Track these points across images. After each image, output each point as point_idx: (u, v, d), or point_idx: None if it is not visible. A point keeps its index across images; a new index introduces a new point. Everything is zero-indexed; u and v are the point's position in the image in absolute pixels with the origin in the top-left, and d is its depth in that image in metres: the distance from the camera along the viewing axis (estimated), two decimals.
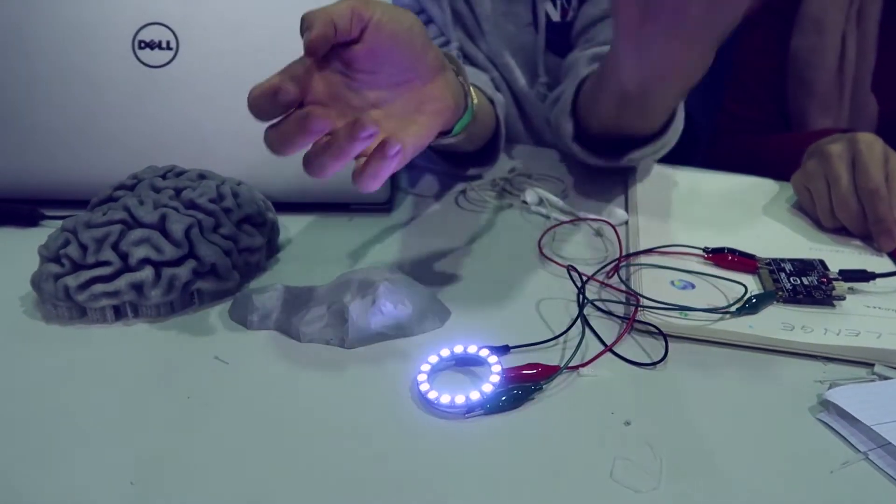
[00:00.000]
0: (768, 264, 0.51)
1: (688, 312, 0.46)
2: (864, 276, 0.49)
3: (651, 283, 0.50)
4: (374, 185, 0.40)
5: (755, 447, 0.37)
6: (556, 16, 0.73)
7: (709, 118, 0.97)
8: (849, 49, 0.79)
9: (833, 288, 0.48)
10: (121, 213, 0.47)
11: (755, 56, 0.87)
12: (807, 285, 0.48)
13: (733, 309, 0.46)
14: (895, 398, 0.40)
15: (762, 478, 0.35)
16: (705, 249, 0.53)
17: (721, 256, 0.52)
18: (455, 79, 0.47)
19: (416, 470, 0.35)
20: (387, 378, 0.41)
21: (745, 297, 0.47)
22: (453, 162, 0.66)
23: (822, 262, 0.51)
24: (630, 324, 0.46)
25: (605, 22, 0.70)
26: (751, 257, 0.52)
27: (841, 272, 0.50)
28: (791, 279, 0.49)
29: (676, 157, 0.88)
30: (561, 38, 0.74)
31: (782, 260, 0.51)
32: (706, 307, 0.46)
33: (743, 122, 0.89)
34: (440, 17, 0.74)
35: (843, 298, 0.48)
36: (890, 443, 0.36)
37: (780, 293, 0.48)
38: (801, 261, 0.51)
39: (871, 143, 0.57)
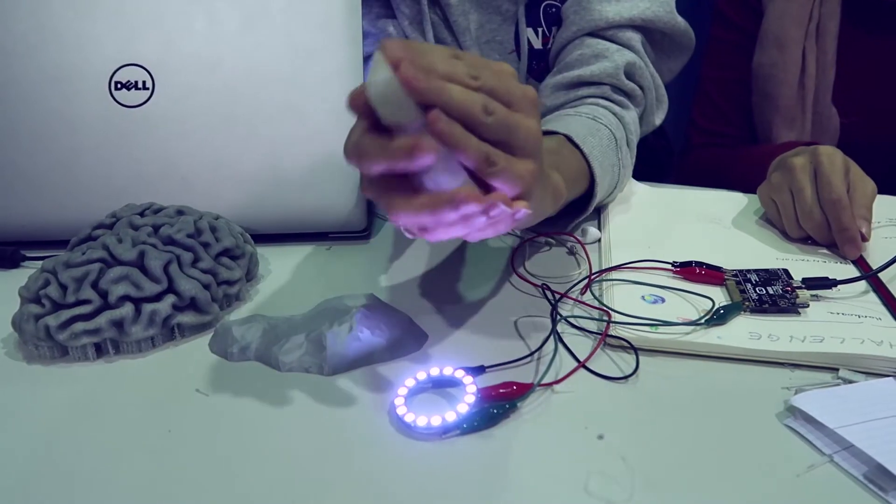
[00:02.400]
0: (735, 275, 0.53)
1: (658, 326, 0.47)
2: (827, 283, 0.51)
3: (622, 298, 0.51)
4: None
5: (725, 455, 0.38)
6: (537, 43, 0.75)
7: (681, 132, 0.99)
8: (809, 64, 0.82)
9: (797, 296, 0.49)
10: (100, 251, 0.48)
11: (721, 71, 0.90)
12: (772, 294, 0.50)
13: (702, 321, 0.47)
14: (858, 402, 0.41)
15: (732, 485, 0.36)
16: (674, 263, 0.54)
17: (689, 270, 0.53)
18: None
19: (395, 492, 0.36)
20: (365, 403, 0.42)
21: (713, 310, 0.48)
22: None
23: (786, 272, 0.53)
24: (602, 339, 0.47)
25: (573, 44, 0.72)
26: (718, 269, 0.53)
27: (804, 280, 0.51)
28: (757, 289, 0.50)
29: (654, 170, 0.90)
30: (542, 64, 0.76)
31: (748, 271, 0.53)
32: (676, 321, 0.48)
33: (712, 136, 0.91)
34: None
35: (807, 306, 0.49)
36: (853, 445, 0.38)
37: (747, 303, 0.49)
38: (767, 271, 0.53)
39: (831, 155, 0.59)
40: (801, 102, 0.82)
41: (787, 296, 0.49)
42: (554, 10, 0.73)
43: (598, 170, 0.58)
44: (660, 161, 1.06)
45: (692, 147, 0.94)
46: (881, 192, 0.61)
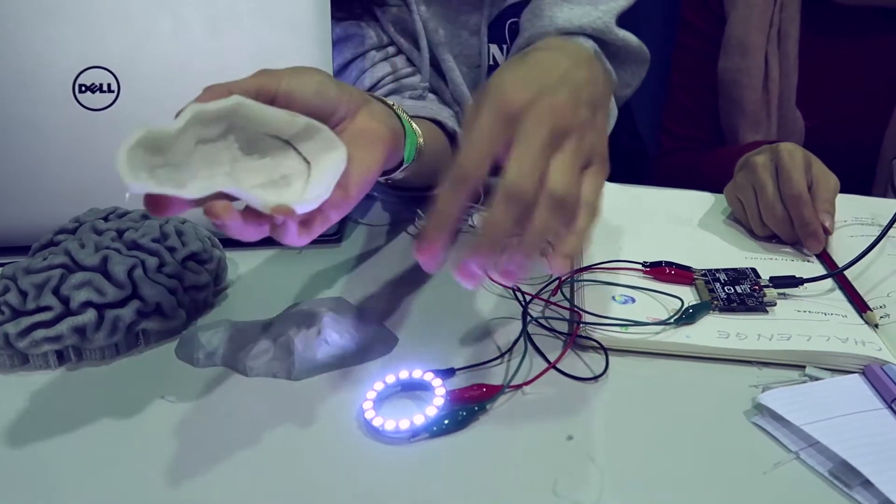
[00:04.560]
0: (704, 275, 0.53)
1: (628, 326, 0.47)
2: (793, 281, 0.51)
3: (593, 299, 0.51)
4: (304, 241, 0.41)
5: (693, 454, 0.38)
6: (502, 59, 0.75)
7: (655, 138, 1.00)
8: (772, 69, 0.83)
9: (764, 295, 0.50)
10: (61, 257, 0.47)
11: (688, 78, 0.91)
12: (740, 293, 0.50)
13: (671, 321, 0.48)
14: (824, 399, 0.41)
15: (700, 483, 0.36)
16: (644, 264, 0.54)
17: (659, 270, 0.54)
18: (382, 107, 0.47)
19: (364, 497, 0.36)
20: (334, 408, 0.42)
21: (683, 309, 0.49)
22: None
23: (754, 271, 0.53)
24: (572, 340, 0.47)
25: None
26: (687, 269, 0.53)
27: (771, 279, 0.52)
28: (725, 288, 0.51)
29: (628, 172, 0.90)
30: None
31: (717, 270, 0.53)
32: (646, 320, 0.48)
33: (682, 141, 0.92)
34: (418, 59, 0.74)
35: (775, 304, 0.50)
36: (819, 442, 0.38)
37: (716, 302, 0.50)
38: (735, 270, 0.53)
39: (792, 152, 0.60)
40: (766, 107, 0.83)
41: (755, 294, 0.50)
42: (517, 26, 0.73)
43: None
44: (634, 164, 1.06)
45: (665, 153, 0.95)
46: (847, 191, 0.62)
